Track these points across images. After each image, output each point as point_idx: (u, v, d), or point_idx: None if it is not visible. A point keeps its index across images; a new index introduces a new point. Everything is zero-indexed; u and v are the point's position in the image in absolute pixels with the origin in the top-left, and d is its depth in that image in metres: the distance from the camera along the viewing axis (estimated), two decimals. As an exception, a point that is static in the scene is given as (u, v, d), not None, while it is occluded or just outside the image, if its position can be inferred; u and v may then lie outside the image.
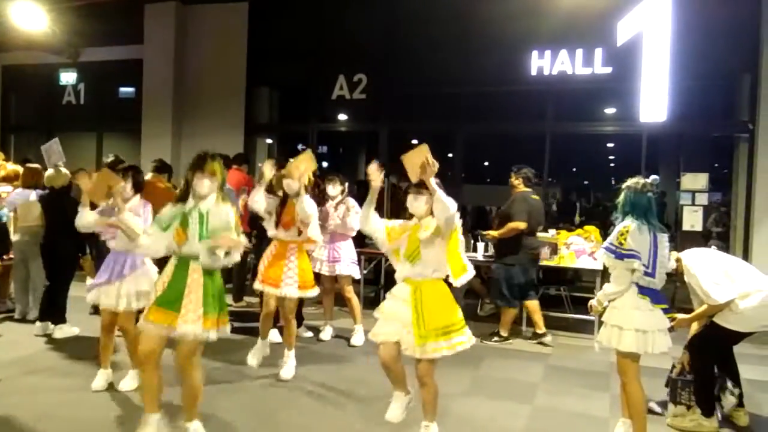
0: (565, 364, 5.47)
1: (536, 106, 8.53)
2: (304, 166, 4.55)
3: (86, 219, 4.14)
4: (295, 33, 9.30)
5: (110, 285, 4.18)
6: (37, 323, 5.78)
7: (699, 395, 4.01)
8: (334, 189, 5.92)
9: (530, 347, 5.96)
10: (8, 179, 6.61)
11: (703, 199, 7.54)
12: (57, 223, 5.67)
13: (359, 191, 11.07)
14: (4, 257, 6.38)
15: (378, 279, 7.87)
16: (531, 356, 5.67)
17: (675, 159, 10.25)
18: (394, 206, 8.48)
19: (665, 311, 3.48)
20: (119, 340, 4.69)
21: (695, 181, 7.56)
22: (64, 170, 5.91)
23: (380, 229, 3.56)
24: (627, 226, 3.48)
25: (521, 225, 5.95)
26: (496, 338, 6.09)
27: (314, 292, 4.86)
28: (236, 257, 3.35)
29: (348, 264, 5.91)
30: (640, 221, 3.50)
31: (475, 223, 9.15)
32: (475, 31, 8.31)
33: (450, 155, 9.20)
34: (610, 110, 9.11)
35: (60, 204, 5.70)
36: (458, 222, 3.33)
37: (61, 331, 5.73)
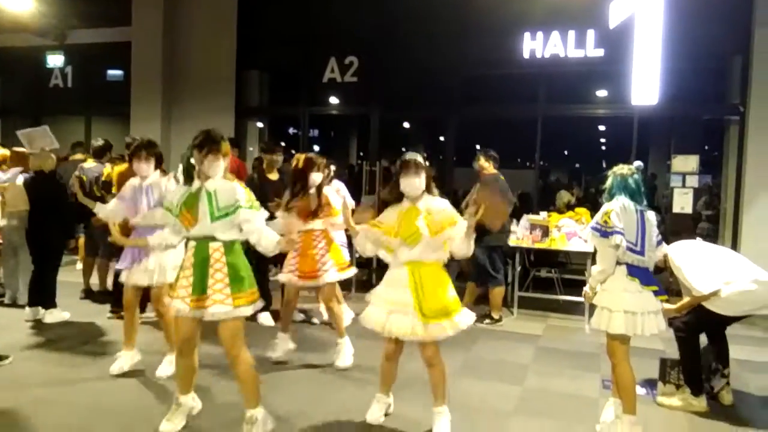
0: (555, 346, 5.51)
1: (528, 89, 8.50)
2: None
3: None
4: (285, 15, 9.19)
5: (138, 263, 4.19)
6: (27, 308, 5.75)
7: (687, 375, 4.10)
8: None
9: (522, 329, 6.00)
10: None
11: (693, 181, 7.57)
12: (43, 207, 5.62)
13: (350, 176, 11.07)
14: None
15: (370, 261, 7.87)
16: (522, 338, 5.71)
17: (666, 141, 10.29)
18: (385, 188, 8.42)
19: (656, 293, 3.51)
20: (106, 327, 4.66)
21: (686, 163, 7.59)
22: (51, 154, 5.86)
23: (385, 240, 3.51)
24: (611, 206, 3.53)
25: (505, 206, 5.99)
26: (487, 320, 6.13)
27: (352, 270, 4.85)
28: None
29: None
30: (626, 201, 3.54)
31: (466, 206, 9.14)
32: (468, 13, 8.24)
33: (441, 138, 9.21)
34: (601, 93, 9.11)
35: (46, 188, 5.65)
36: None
37: (52, 316, 5.71)
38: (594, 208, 7.16)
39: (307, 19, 9.12)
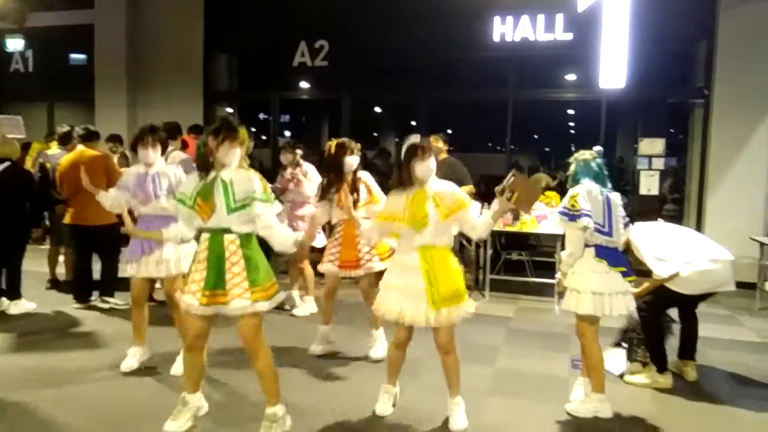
0: (526, 327, 5.60)
1: (499, 72, 8.54)
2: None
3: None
4: (254, -3, 9.04)
5: (147, 255, 4.02)
6: (-9, 300, 5.62)
7: (652, 353, 4.20)
8: (285, 158, 5.92)
9: (493, 311, 6.06)
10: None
11: (659, 163, 7.72)
12: (7, 196, 5.46)
13: (321, 161, 10.99)
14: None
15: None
16: (494, 320, 5.78)
17: (633, 125, 10.42)
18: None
19: (624, 274, 3.58)
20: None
21: (652, 146, 7.73)
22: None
23: (391, 228, 3.46)
24: (577, 189, 3.59)
25: (473, 188, 6.04)
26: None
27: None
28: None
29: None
30: (591, 184, 3.61)
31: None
32: (438, -4, 8.22)
33: (413, 123, 9.19)
34: (570, 77, 9.19)
35: (8, 177, 5.48)
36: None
37: (17, 307, 5.58)
38: (562, 193, 7.27)
39: (277, 1, 8.98)
